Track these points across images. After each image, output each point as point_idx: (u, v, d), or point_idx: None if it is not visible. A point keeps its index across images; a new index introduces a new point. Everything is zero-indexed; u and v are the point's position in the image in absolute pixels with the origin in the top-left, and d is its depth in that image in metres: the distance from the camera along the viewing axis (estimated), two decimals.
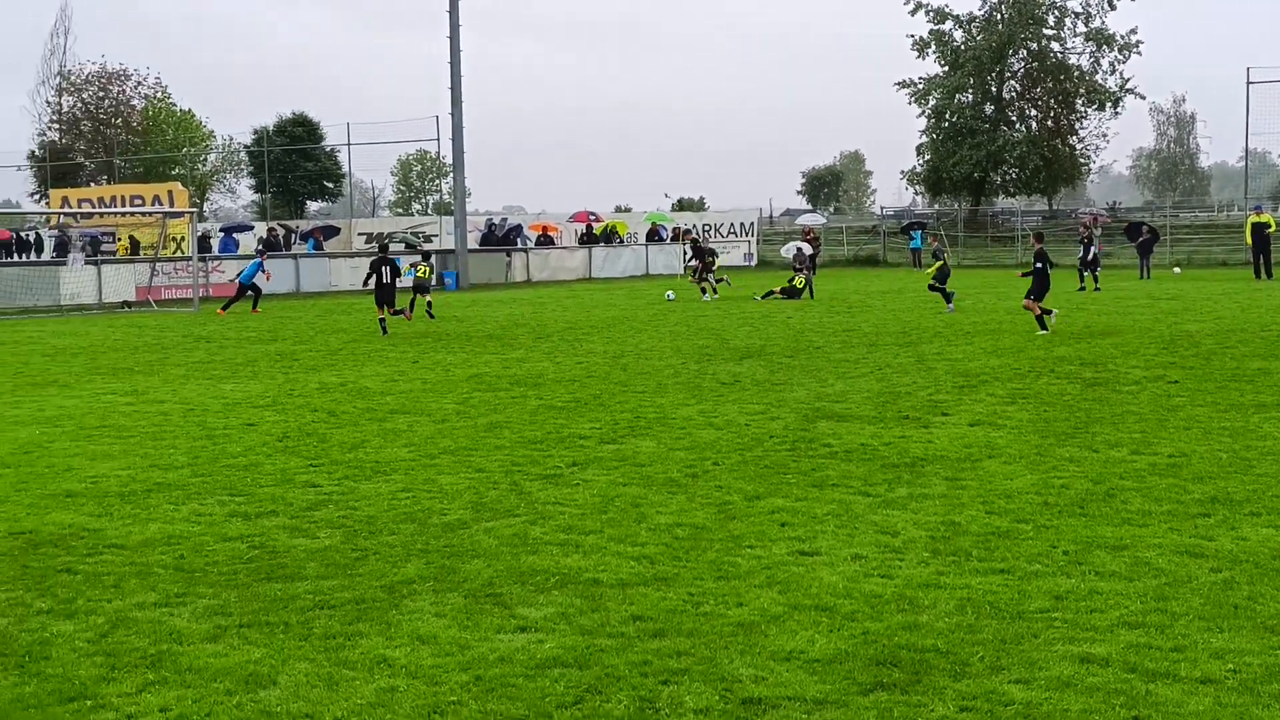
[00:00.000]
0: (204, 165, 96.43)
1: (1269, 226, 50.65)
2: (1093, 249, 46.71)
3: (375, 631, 8.29)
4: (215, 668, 7.66)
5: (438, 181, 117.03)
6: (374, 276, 31.63)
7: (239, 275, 40.53)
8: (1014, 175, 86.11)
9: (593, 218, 76.57)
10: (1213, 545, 10.11)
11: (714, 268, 43.70)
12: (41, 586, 9.43)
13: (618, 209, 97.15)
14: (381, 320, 31.23)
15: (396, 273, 32.41)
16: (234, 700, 7.17)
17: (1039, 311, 27.73)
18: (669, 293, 43.51)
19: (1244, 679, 7.24)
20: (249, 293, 39.60)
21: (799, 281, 41.81)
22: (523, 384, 20.66)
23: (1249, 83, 73.20)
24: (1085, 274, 46.10)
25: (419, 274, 36.75)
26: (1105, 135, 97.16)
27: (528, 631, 8.26)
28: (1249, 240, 50.48)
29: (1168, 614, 8.40)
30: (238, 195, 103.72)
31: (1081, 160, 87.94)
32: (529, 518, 11.40)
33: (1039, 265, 28.06)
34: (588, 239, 69.53)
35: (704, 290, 42.62)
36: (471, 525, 11.15)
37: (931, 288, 36.29)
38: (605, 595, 9.02)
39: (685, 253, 43.94)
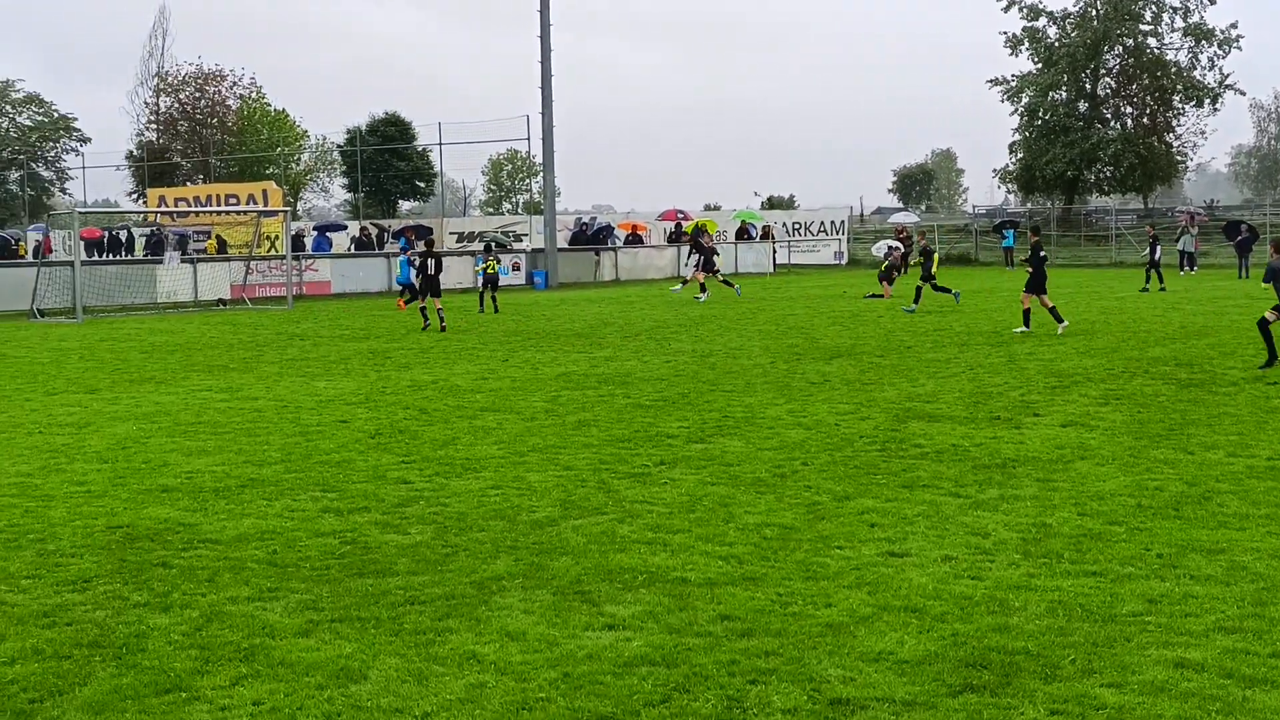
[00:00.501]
0: (298, 165, 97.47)
1: None
2: (1158, 249, 46.34)
3: (465, 627, 8.35)
4: (307, 662, 7.74)
5: (528, 181, 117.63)
6: (421, 270, 33.40)
7: (398, 278, 41.24)
8: (1108, 173, 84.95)
9: (681, 216, 76.53)
10: None
11: (716, 268, 43.16)
12: (138, 580, 9.58)
13: (707, 207, 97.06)
14: (423, 309, 32.89)
15: (440, 267, 33.84)
16: (325, 694, 7.24)
17: (1028, 305, 28.04)
18: (675, 288, 44.17)
19: None
20: (409, 290, 40.53)
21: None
22: (611, 383, 20.70)
23: None
24: (1151, 273, 45.57)
25: (488, 269, 37.51)
26: (1203, 132, 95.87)
27: (615, 629, 8.28)
28: None
29: (1265, 619, 8.27)
30: (331, 194, 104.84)
31: (1178, 158, 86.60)
32: (617, 516, 11.42)
33: (1041, 256, 28.45)
34: (676, 238, 69.50)
35: (703, 288, 41.34)
36: (560, 523, 11.19)
37: (936, 288, 36.54)
38: (693, 594, 9.02)
39: (689, 253, 42.67)
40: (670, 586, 9.22)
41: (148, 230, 67.79)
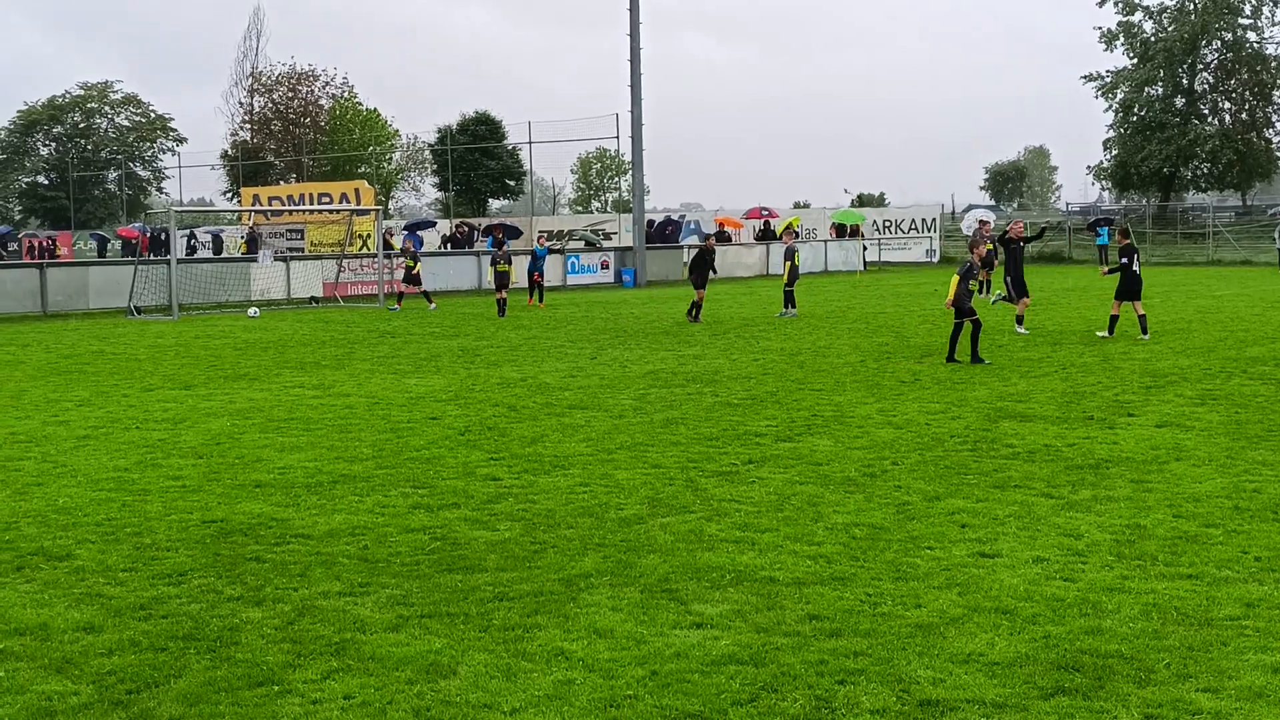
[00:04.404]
0: (389, 164, 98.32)
1: None
2: None
3: (553, 624, 8.37)
4: (397, 657, 7.79)
5: (616, 179, 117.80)
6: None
7: (530, 269, 41.78)
8: (1205, 170, 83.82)
9: (765, 214, 76.32)
10: None
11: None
12: (232, 574, 9.69)
13: (796, 205, 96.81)
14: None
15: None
16: (415, 689, 7.29)
17: (1116, 312, 26.82)
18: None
19: None
20: (537, 287, 41.38)
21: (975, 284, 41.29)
22: (699, 381, 20.68)
23: None
24: None
25: (499, 269, 37.55)
26: None
27: (703, 628, 8.27)
28: None
29: None
30: (422, 193, 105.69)
31: (1277, 154, 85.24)
32: (704, 514, 11.41)
33: (1124, 262, 26.60)
34: (765, 236, 69.36)
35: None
36: (647, 520, 11.19)
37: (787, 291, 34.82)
38: (781, 593, 8.99)
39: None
40: (758, 585, 9.19)
41: (248, 229, 68.45)
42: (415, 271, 40.25)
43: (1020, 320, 28.16)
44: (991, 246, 43.84)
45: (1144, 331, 26.11)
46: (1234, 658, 7.58)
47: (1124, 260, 26.57)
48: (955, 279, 22.66)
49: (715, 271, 34.72)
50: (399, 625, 8.41)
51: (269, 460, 14.24)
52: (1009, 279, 28.40)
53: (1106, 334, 26.51)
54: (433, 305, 39.32)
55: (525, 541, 10.53)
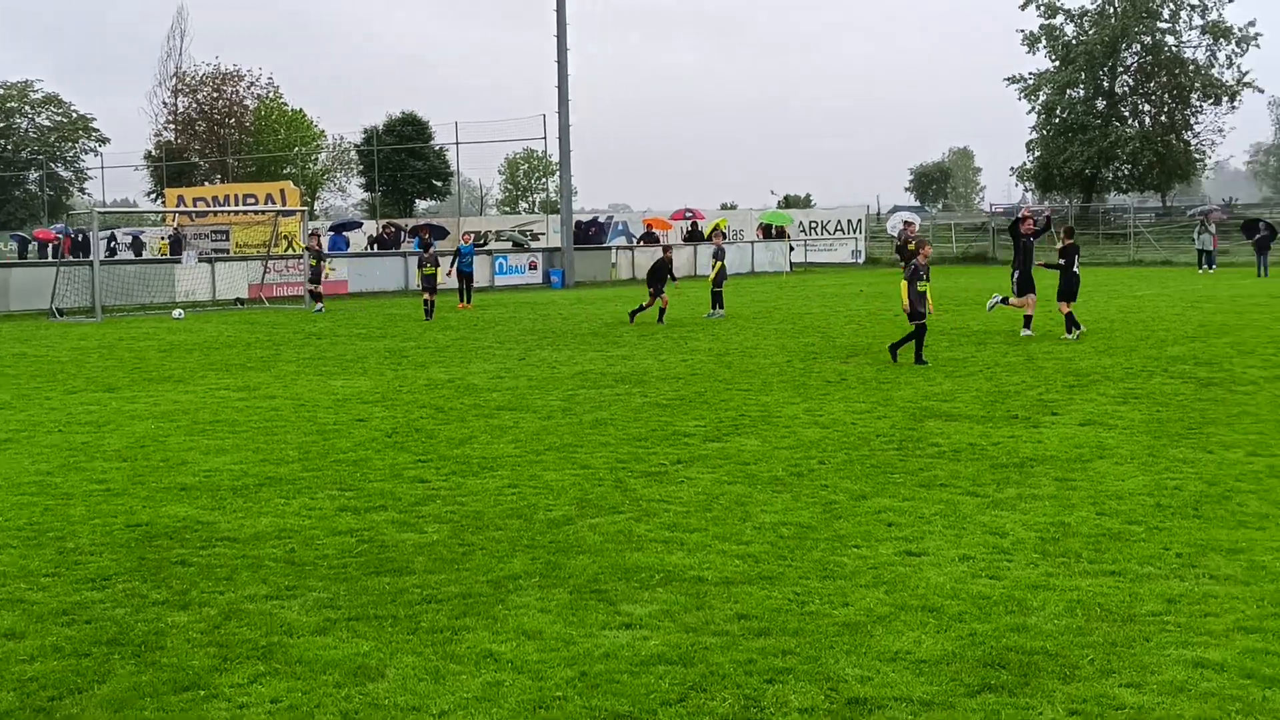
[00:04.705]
0: (315, 164, 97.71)
1: None
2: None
3: (482, 626, 8.35)
4: (325, 660, 7.75)
5: (544, 180, 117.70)
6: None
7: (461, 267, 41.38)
8: (1126, 172, 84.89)
9: (688, 215, 76.43)
10: None
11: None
12: (157, 578, 9.59)
13: (723, 206, 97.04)
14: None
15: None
16: (343, 692, 7.25)
17: (1067, 310, 26.45)
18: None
19: None
20: (465, 287, 41.36)
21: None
22: (627, 381, 20.70)
23: None
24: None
25: (425, 271, 37.24)
26: (1221, 130, 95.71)
27: (632, 628, 8.28)
28: None
29: None
30: (348, 194, 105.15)
31: (1196, 156, 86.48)
32: (633, 515, 11.42)
33: (1063, 262, 26.66)
34: (692, 237, 69.50)
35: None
36: (576, 521, 11.19)
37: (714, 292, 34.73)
38: (710, 593, 9.01)
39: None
40: (687, 585, 9.21)
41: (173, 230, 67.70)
42: (321, 270, 40.22)
43: (1028, 322, 27.17)
44: (914, 247, 44.19)
45: (1068, 331, 26.27)
46: (1156, 653, 7.67)
47: (1062, 261, 26.74)
48: (904, 284, 22.71)
49: (674, 279, 34.50)
50: (326, 628, 8.36)
51: (194, 463, 14.12)
52: (1016, 275, 27.53)
53: (1070, 335, 26.20)
54: (319, 307, 38.99)
55: (453, 543, 10.49)
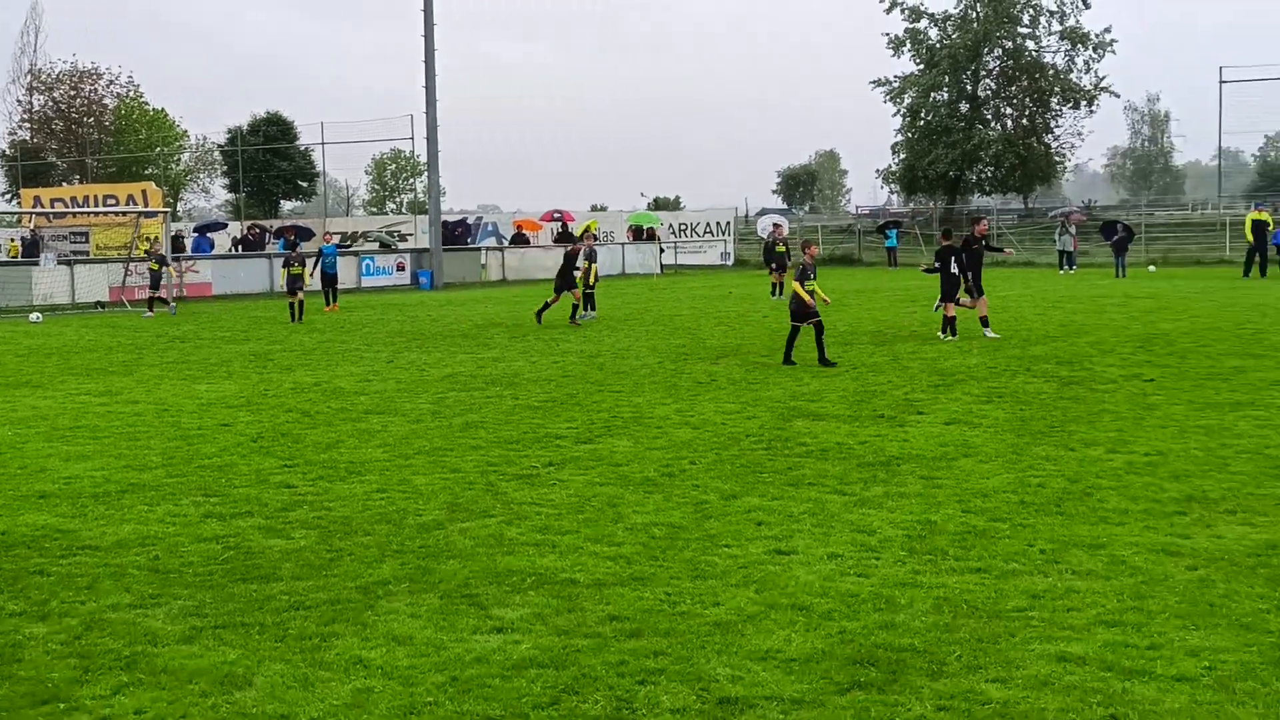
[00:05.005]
0: (177, 165, 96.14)
1: (1269, 225, 50.76)
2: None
3: (351, 632, 8.26)
4: (190, 669, 7.61)
5: (412, 180, 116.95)
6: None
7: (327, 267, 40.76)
8: (989, 174, 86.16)
9: (557, 216, 76.38)
10: (1189, 543, 10.14)
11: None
12: (14, 588, 9.36)
13: (593, 207, 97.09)
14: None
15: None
16: (209, 702, 7.13)
17: (951, 314, 26.59)
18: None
19: (1219, 676, 7.25)
20: (330, 288, 40.75)
21: (774, 279, 41.81)
22: (498, 383, 20.62)
23: (1221, 82, 73.81)
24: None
25: (292, 271, 36.79)
26: (1080, 134, 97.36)
27: (504, 632, 8.23)
28: (1250, 238, 50.50)
29: (1144, 612, 8.41)
30: (212, 195, 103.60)
31: (1056, 159, 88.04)
32: (505, 518, 11.37)
33: (938, 265, 26.92)
34: (562, 238, 69.47)
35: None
36: (447, 526, 11.12)
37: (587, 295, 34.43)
38: (581, 595, 9.00)
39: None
40: (559, 588, 9.19)
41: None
42: (160, 276, 39.68)
43: (986, 322, 27.00)
44: (783, 249, 44.58)
45: (944, 331, 26.58)
46: (1021, 648, 7.80)
47: (938, 263, 26.98)
48: (795, 284, 22.78)
49: (578, 270, 34.38)
50: (192, 637, 8.21)
51: (54, 470, 13.80)
52: (969, 277, 27.13)
53: (950, 336, 26.30)
54: (149, 313, 38.38)
55: (321, 549, 10.37)
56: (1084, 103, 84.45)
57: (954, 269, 26.48)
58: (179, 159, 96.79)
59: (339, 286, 41.69)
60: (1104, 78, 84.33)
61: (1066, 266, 57.56)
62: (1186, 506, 11.37)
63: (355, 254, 55.11)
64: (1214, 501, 11.54)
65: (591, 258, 35.45)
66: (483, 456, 14.31)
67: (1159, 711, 6.80)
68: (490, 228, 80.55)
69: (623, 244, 67.49)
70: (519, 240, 69.28)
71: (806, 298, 22.45)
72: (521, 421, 16.73)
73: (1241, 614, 8.34)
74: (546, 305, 32.79)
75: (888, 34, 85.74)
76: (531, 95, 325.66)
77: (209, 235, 65.27)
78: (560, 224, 74.10)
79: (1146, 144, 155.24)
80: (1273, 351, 22.87)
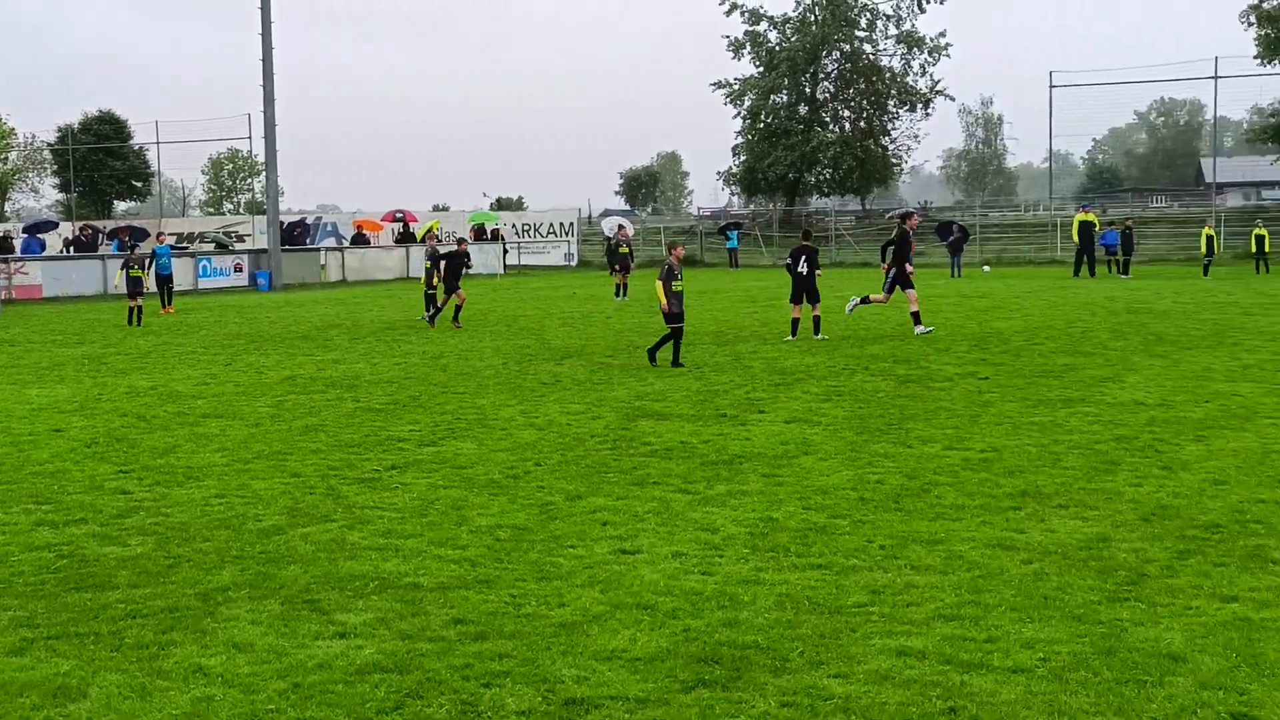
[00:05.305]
0: (5, 164, 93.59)
1: (1095, 225, 52.16)
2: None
3: (190, 640, 8.11)
4: (22, 681, 7.41)
5: (250, 180, 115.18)
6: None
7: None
8: (828, 176, 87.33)
9: (401, 216, 75.80)
10: (1023, 538, 10.37)
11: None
12: None
13: (435, 208, 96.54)
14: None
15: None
16: (42, 714, 6.95)
17: (796, 315, 26.73)
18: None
19: (1053, 667, 7.42)
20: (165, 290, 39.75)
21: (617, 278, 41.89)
22: (338, 386, 20.40)
23: (1052, 86, 75.61)
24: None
25: (132, 273, 35.99)
26: (916, 136, 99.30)
27: (346, 637, 8.15)
28: (1076, 239, 51.81)
29: (981, 606, 8.58)
30: (42, 195, 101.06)
31: (893, 161, 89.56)
32: (347, 522, 11.25)
33: (788, 264, 27.06)
34: (404, 239, 68.95)
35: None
36: (287, 531, 10.96)
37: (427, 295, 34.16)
38: (425, 599, 8.93)
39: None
40: (402, 592, 9.12)
41: None
42: None
43: (918, 319, 27.14)
44: (626, 250, 44.50)
45: (794, 333, 26.62)
46: (861, 643, 7.91)
47: (788, 263, 27.05)
48: (659, 285, 22.56)
49: (470, 266, 33.93)
50: (23, 648, 7.99)
51: None
52: (893, 273, 27.37)
53: (792, 337, 26.39)
54: None
55: (159, 556, 10.16)
56: (920, 105, 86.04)
57: (802, 269, 26.58)
58: (6, 158, 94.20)
59: (174, 288, 40.89)
60: (939, 81, 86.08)
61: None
62: (1021, 501, 11.63)
63: (192, 255, 54.08)
64: (1047, 496, 11.82)
65: (434, 259, 35.19)
66: (324, 460, 14.14)
67: (996, 703, 6.95)
68: (330, 228, 79.67)
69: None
70: (359, 241, 68.59)
71: (664, 300, 22.37)
72: (363, 424, 16.57)
73: (1074, 606, 8.56)
74: (438, 310, 32.15)
75: (728, 36, 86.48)
76: (372, 94, 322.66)
77: (39, 236, 63.66)
78: (402, 224, 73.50)
79: (980, 146, 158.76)
80: (1101, 349, 23.50)
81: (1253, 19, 72.04)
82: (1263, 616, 8.26)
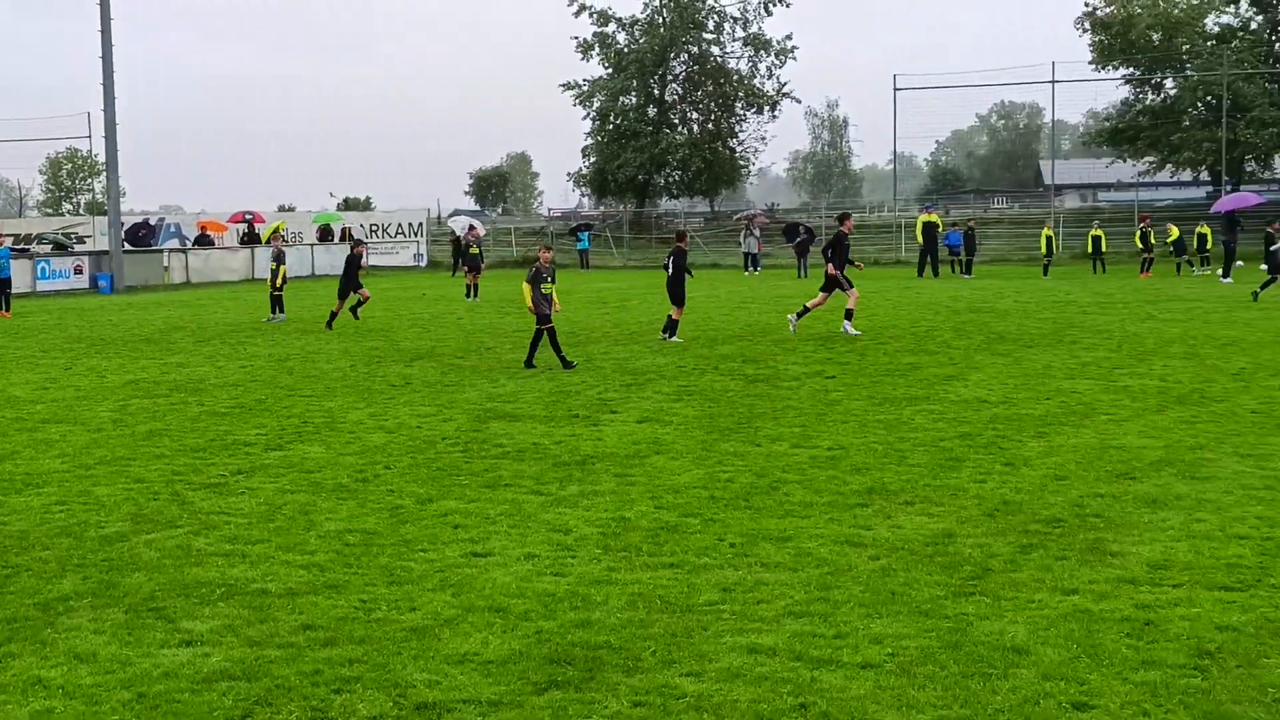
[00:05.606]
0: None
1: (939, 226, 53.08)
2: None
3: (29, 651, 7.91)
4: None
5: (90, 180, 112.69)
6: None
7: None
8: (677, 177, 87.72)
9: (250, 217, 74.66)
10: (871, 534, 10.52)
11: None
12: None
13: (281, 208, 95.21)
14: None
15: None
16: None
17: (677, 317, 26.68)
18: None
19: (901, 662, 7.54)
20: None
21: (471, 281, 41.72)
22: (183, 390, 20.04)
23: (895, 89, 76.73)
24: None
25: None
26: (764, 138, 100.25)
27: (193, 645, 8.01)
28: (920, 239, 52.65)
29: (830, 602, 8.69)
30: None
31: (741, 162, 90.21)
32: (192, 528, 11.06)
33: (666, 266, 27.09)
34: (250, 240, 67.93)
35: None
36: (131, 538, 10.74)
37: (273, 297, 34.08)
38: (274, 605, 8.82)
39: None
40: (250, 598, 8.98)
41: None
42: None
43: (850, 315, 27.16)
44: (477, 251, 44.31)
45: (665, 332, 26.59)
46: (713, 641, 7.96)
47: (665, 265, 27.05)
48: (526, 287, 22.38)
49: (364, 268, 33.55)
50: None
51: None
52: (836, 273, 27.14)
53: (664, 336, 26.40)
54: None
55: None
56: (767, 108, 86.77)
57: (670, 269, 26.57)
58: None
59: (11, 292, 39.85)
60: (785, 83, 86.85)
61: (751, 268, 59.05)
62: (868, 498, 11.80)
63: (30, 256, 52.73)
64: (893, 493, 12.01)
65: (279, 260, 34.76)
66: (168, 465, 13.89)
67: (845, 698, 7.04)
68: (174, 229, 78.15)
69: (312, 245, 66.36)
70: (203, 242, 67.43)
71: (529, 302, 22.27)
72: (208, 429, 16.30)
73: (920, 601, 8.70)
74: (334, 315, 31.45)
75: (577, 38, 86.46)
76: (217, 93, 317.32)
77: None
78: (248, 225, 72.36)
79: (826, 148, 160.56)
80: (945, 348, 23.93)
81: (1087, 25, 74.00)
82: (1102, 608, 8.47)
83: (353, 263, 32.67)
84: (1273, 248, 34.08)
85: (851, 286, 27.48)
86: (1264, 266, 36.39)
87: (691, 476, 12.88)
